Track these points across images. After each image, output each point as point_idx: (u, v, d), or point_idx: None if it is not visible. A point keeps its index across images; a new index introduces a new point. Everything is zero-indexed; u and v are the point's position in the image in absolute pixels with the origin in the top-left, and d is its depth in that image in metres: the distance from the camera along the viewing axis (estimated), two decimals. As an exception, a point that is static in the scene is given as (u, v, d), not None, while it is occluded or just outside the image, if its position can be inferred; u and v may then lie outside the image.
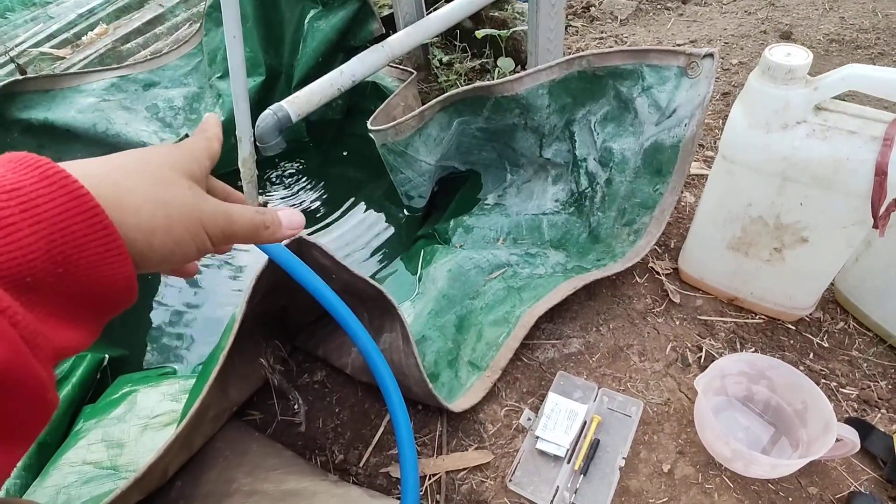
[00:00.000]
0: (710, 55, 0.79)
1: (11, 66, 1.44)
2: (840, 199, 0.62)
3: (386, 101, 1.14)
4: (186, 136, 1.27)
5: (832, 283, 0.81)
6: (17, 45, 1.52)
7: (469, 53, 1.58)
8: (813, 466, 0.66)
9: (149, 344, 1.02)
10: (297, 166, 1.37)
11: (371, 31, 1.33)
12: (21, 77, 1.11)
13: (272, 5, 1.31)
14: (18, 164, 0.24)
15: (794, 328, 0.80)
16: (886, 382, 0.73)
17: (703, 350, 0.79)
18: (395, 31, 1.33)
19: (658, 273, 0.89)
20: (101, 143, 1.19)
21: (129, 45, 1.51)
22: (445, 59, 1.54)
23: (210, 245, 0.31)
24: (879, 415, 0.70)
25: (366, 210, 1.25)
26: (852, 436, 0.59)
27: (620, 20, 1.70)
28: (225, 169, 1.29)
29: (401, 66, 1.39)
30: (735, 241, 0.74)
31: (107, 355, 0.92)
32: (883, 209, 0.62)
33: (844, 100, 0.64)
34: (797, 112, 0.62)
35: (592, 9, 1.77)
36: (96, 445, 0.71)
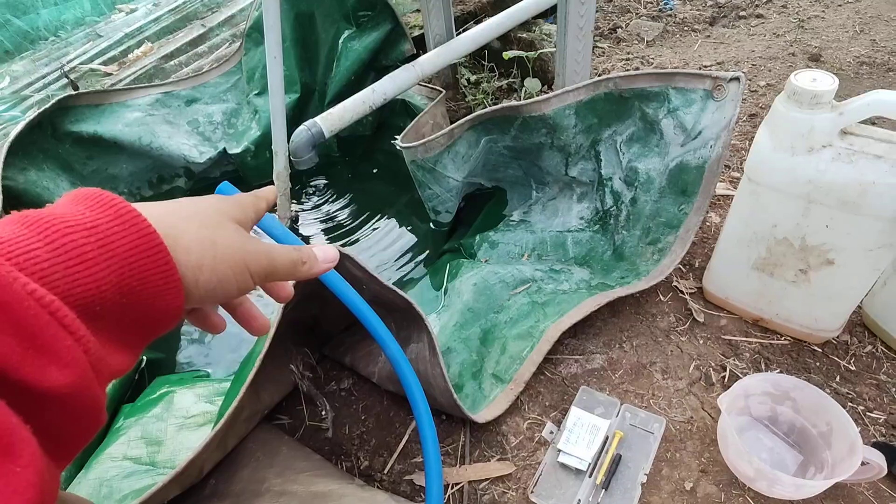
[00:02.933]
0: (737, 78, 0.80)
1: (64, 81, 1.53)
2: (867, 221, 0.63)
3: (416, 119, 1.17)
4: (224, 150, 1.33)
5: (860, 306, 0.81)
6: (69, 62, 1.61)
7: (496, 73, 1.62)
8: (838, 489, 0.65)
9: (182, 348, 1.06)
10: (328, 180, 1.42)
11: (403, 51, 1.38)
12: (74, 92, 1.17)
13: (309, 26, 1.36)
14: (95, 202, 0.27)
15: (820, 350, 0.80)
16: (915, 407, 0.72)
17: (728, 370, 0.79)
18: (425, 51, 1.38)
19: (682, 292, 0.90)
20: (146, 156, 1.25)
21: (172, 63, 1.59)
22: (473, 78, 1.58)
23: (251, 283, 0.34)
24: (908, 440, 0.69)
25: (393, 224, 1.28)
26: (879, 459, 0.59)
27: (647, 42, 1.72)
28: (260, 181, 1.34)
29: (430, 85, 1.43)
30: (760, 262, 0.75)
31: (145, 357, 0.97)
32: (910, 233, 0.63)
33: (874, 123, 0.65)
34: (822, 136, 0.63)
35: (619, 30, 1.79)
36: (136, 442, 0.75)
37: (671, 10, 1.86)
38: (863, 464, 0.60)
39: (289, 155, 1.16)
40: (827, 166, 0.63)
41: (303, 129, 1.18)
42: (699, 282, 0.90)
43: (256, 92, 1.38)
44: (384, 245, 1.26)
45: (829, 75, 0.63)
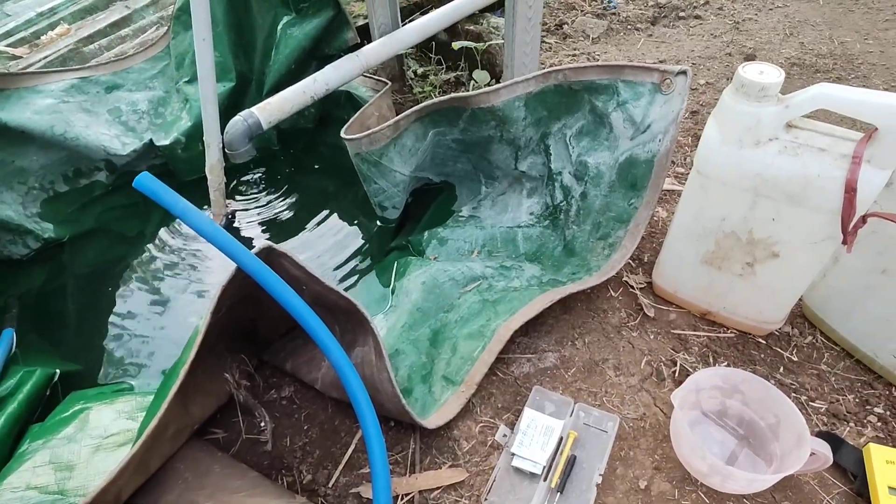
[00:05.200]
0: (684, 72, 0.80)
1: (-38, 64, 1.37)
2: (810, 214, 0.64)
3: (360, 111, 1.12)
4: (151, 141, 1.22)
5: (801, 299, 0.83)
6: (-31, 43, 1.44)
7: (444, 66, 1.58)
8: (786, 481, 0.66)
9: (105, 358, 0.96)
10: (268, 175, 1.34)
11: (346, 39, 1.31)
12: (-28, 75, 1.04)
13: (244, 10, 1.28)
14: None
15: (764, 342, 0.81)
16: (854, 396, 0.74)
17: (678, 364, 0.79)
18: (369, 41, 1.32)
19: (632, 287, 0.89)
20: (59, 147, 1.13)
21: (91, 47, 1.45)
22: (420, 70, 1.54)
23: None
24: (848, 428, 0.71)
25: (338, 220, 1.22)
26: (825, 450, 0.60)
27: (592, 38, 1.73)
28: (193, 176, 1.25)
29: (375, 77, 1.38)
30: (708, 256, 0.75)
31: (58, 370, 0.87)
32: (851, 226, 0.64)
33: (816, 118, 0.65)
34: (769, 129, 0.63)
35: (565, 27, 1.80)
36: (43, 468, 0.66)
37: (615, 8, 1.88)
38: (810, 454, 0.60)
39: (223, 147, 1.08)
40: (773, 159, 0.63)
41: (238, 120, 1.10)
42: (649, 276, 0.90)
43: (187, 79, 1.28)
44: (328, 243, 1.20)
45: (776, 68, 0.63)
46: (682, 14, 1.87)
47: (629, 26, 1.82)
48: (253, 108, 1.12)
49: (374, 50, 1.32)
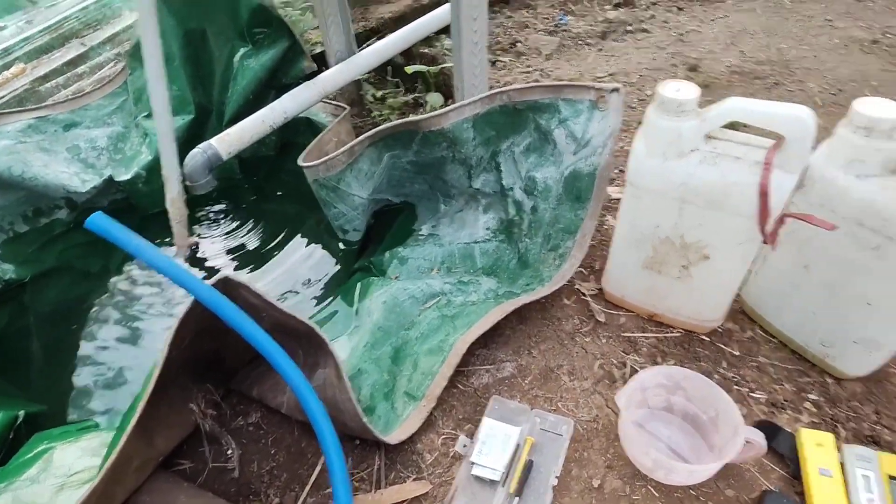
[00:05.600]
0: (616, 90, 0.85)
1: (-84, 109, 1.36)
2: (732, 218, 0.68)
3: (318, 137, 1.15)
4: (111, 177, 1.23)
5: (740, 296, 0.88)
6: (-78, 87, 1.44)
7: (402, 88, 1.62)
8: (729, 470, 0.70)
9: (72, 397, 0.96)
10: (231, 204, 1.36)
11: (301, 68, 1.35)
12: (-75, 121, 1.05)
13: (200, 44, 1.30)
14: None
15: (708, 339, 0.86)
16: (791, 385, 0.79)
17: (628, 366, 0.83)
18: (327, 68, 1.36)
19: (584, 294, 0.93)
20: (17, 187, 1.13)
21: (48, 85, 1.46)
22: (379, 94, 1.58)
23: None
24: (786, 416, 0.75)
25: (304, 245, 1.24)
26: (759, 438, 0.64)
27: (545, 55, 1.80)
28: (155, 209, 1.26)
29: (334, 102, 1.41)
30: (648, 261, 0.79)
31: (21, 412, 0.87)
32: (771, 226, 0.69)
33: (743, 129, 0.70)
34: (690, 141, 0.68)
35: (519, 44, 1.86)
36: (5, 511, 0.67)
37: (566, 25, 1.96)
38: (746, 443, 0.64)
39: (182, 180, 1.10)
40: (695, 169, 0.68)
41: (197, 152, 1.12)
42: (600, 283, 0.94)
43: (146, 114, 1.29)
44: (294, 268, 1.22)
45: (692, 85, 0.68)
46: (629, 28, 1.95)
47: (580, 42, 1.89)
48: (212, 140, 1.15)
49: (330, 77, 1.35)
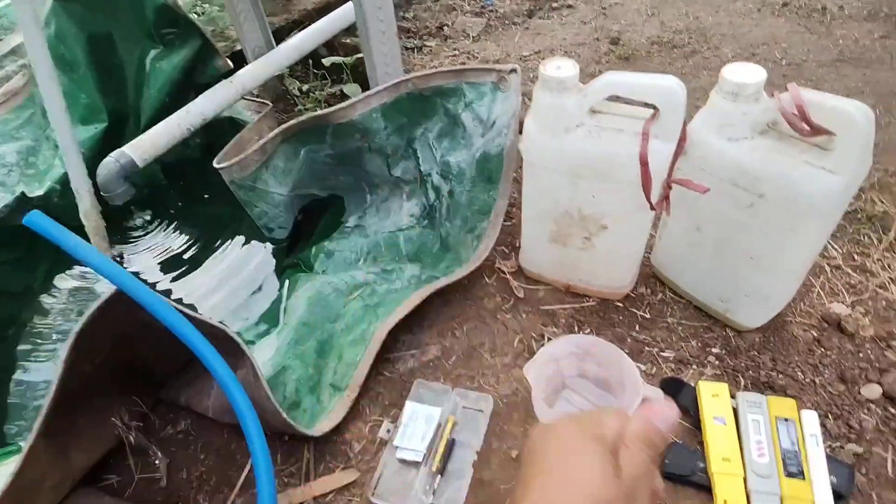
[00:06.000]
0: (514, 70, 0.86)
1: None
2: (621, 189, 0.71)
3: (237, 136, 1.13)
4: (23, 193, 1.19)
5: (649, 260, 0.91)
6: None
7: (329, 80, 1.60)
8: (638, 427, 0.73)
9: (6, 422, 0.94)
10: (157, 211, 1.33)
11: (217, 67, 1.32)
12: None
13: (107, 49, 1.26)
14: None
15: (622, 305, 0.89)
16: (696, 341, 0.83)
17: (546, 338, 0.86)
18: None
19: (504, 272, 0.96)
20: (-81, 213, 1.08)
21: (-48, 102, 1.39)
22: (304, 87, 1.56)
23: None
24: (691, 371, 0.79)
25: (236, 247, 1.23)
26: (656, 395, 0.67)
27: (472, 37, 1.80)
28: (74, 223, 1.22)
29: (257, 99, 1.39)
30: (554, 235, 0.82)
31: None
32: (659, 193, 0.72)
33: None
34: (574, 117, 0.70)
35: (446, 28, 1.86)
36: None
37: (492, 5, 1.96)
38: (645, 401, 0.67)
39: (94, 191, 1.07)
40: (582, 144, 0.70)
41: (110, 161, 1.09)
42: (519, 260, 0.97)
43: (55, 126, 1.25)
44: (228, 270, 1.21)
45: (571, 62, 0.69)
46: (555, 4, 1.97)
47: (507, 21, 1.90)
48: (125, 147, 1.12)
49: (248, 73, 1.33)
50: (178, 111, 1.20)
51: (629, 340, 0.84)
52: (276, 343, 0.91)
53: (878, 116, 1.23)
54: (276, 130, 0.97)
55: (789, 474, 0.63)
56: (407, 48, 1.73)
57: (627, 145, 0.68)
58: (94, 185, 1.08)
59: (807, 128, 0.63)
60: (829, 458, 0.65)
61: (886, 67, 1.41)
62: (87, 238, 1.11)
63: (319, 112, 0.95)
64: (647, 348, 0.83)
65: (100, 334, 0.70)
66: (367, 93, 0.94)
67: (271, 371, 0.86)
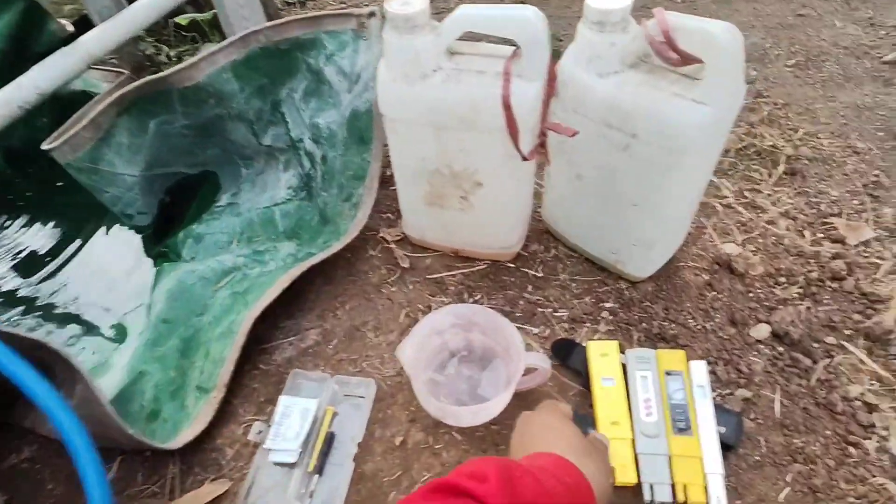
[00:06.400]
0: (373, 14, 0.76)
1: None
2: (488, 137, 0.64)
3: (79, 112, 0.97)
4: None
5: (541, 215, 0.86)
6: None
7: (203, 42, 1.43)
8: (531, 395, 0.68)
9: None
10: (2, 204, 1.15)
11: (52, 31, 1.13)
12: None
13: None
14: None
15: (514, 266, 0.83)
16: (590, 297, 0.78)
17: (433, 309, 0.79)
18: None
19: (388, 242, 0.88)
20: None
21: None
22: (173, 53, 1.38)
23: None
24: (585, 329, 0.75)
25: (103, 238, 1.08)
26: (540, 362, 0.62)
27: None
28: None
29: (112, 69, 1.21)
30: (429, 196, 0.74)
31: None
32: (531, 141, 0.65)
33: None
34: (430, 60, 0.61)
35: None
36: None
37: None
38: (533, 370, 0.62)
39: None
40: (440, 90, 0.62)
41: (-85, 152, 0.91)
42: (402, 227, 0.89)
43: None
44: (94, 266, 1.06)
45: (419, -4, 0.60)
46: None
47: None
48: (-64, 134, 0.94)
49: (95, 38, 1.14)
50: (7, 87, 1.02)
51: (521, 303, 0.79)
52: (133, 344, 0.80)
53: (768, 49, 1.21)
54: (106, 101, 0.82)
55: (678, 430, 0.60)
56: (287, 3, 1.57)
57: (490, 87, 0.60)
58: None
59: (675, 56, 0.57)
60: (717, 407, 0.62)
61: (776, 0, 1.40)
62: None
63: (154, 76, 0.81)
64: (539, 309, 0.78)
65: None
66: (211, 49, 0.81)
67: (125, 378, 0.75)
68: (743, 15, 1.34)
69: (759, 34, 1.26)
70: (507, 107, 0.59)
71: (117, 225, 1.08)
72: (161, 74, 0.82)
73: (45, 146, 0.86)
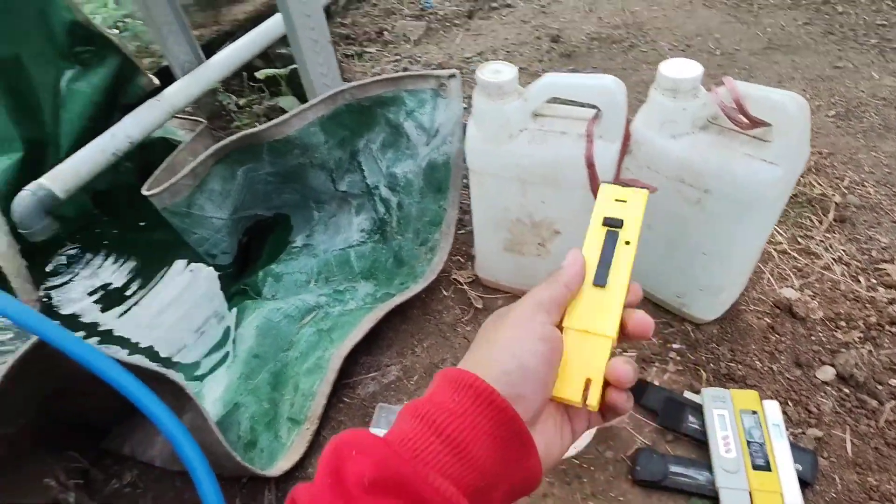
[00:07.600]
0: (454, 75, 0.84)
1: None
2: (569, 192, 0.70)
3: (169, 158, 1.06)
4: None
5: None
6: None
7: (267, 93, 1.54)
8: (607, 432, 0.72)
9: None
10: (90, 243, 1.24)
11: (141, 86, 1.24)
12: None
13: (15, 71, 1.16)
14: (455, 386, 0.30)
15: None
16: (657, 338, 0.82)
17: (507, 348, 0.83)
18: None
19: (461, 283, 0.93)
20: None
21: None
22: (241, 102, 1.49)
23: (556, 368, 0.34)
24: (655, 368, 0.79)
25: (181, 274, 1.16)
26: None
27: (413, 41, 1.77)
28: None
29: (191, 118, 1.32)
30: (508, 243, 0.80)
31: None
32: (608, 194, 0.71)
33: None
34: (517, 122, 0.68)
35: (385, 33, 1.82)
36: None
37: (431, 8, 1.94)
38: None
39: (9, 229, 0.98)
40: (526, 149, 0.68)
41: (25, 195, 1.01)
42: (475, 269, 0.94)
43: (-37, 160, 1.14)
44: (172, 300, 1.14)
45: (509, 65, 0.67)
46: (494, 4, 1.96)
47: (447, 23, 1.88)
48: (42, 179, 1.03)
49: (177, 91, 1.25)
50: (102, 135, 1.12)
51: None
52: (226, 378, 0.86)
53: (809, 100, 1.27)
54: (206, 153, 0.91)
55: (756, 467, 0.63)
56: (346, 55, 1.68)
57: (572, 148, 0.67)
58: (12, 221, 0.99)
59: (745, 120, 0.63)
60: (792, 446, 0.65)
61: (812, 52, 1.47)
62: (5, 282, 1.02)
63: (250, 131, 0.90)
64: (608, 349, 0.82)
65: (20, 394, 0.63)
66: (303, 107, 0.90)
67: (222, 410, 0.81)
68: (782, 67, 1.41)
69: (800, 85, 1.33)
70: (590, 165, 0.66)
71: (193, 262, 1.15)
72: (255, 130, 0.90)
73: (145, 192, 0.95)
